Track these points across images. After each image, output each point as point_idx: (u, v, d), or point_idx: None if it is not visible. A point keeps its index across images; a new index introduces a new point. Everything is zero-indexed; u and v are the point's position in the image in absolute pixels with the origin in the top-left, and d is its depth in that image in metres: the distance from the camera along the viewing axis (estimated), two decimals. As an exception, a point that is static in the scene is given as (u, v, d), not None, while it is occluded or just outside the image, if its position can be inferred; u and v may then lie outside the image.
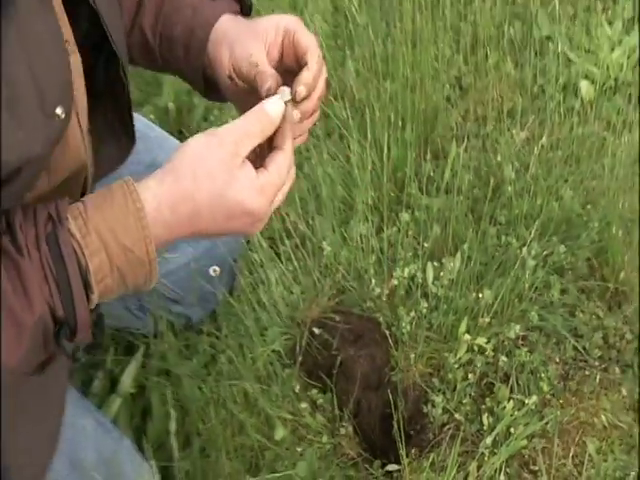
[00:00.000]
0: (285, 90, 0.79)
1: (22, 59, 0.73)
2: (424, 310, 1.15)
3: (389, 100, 1.34)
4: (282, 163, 0.78)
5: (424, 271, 1.18)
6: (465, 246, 1.18)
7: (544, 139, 1.27)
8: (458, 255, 1.18)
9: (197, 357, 1.20)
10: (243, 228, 0.80)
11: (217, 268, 1.23)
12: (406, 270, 1.18)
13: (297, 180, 1.30)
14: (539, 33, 1.49)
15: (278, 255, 1.26)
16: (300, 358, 1.15)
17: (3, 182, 0.75)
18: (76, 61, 0.85)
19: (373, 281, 1.19)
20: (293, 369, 1.15)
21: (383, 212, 1.27)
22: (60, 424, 0.98)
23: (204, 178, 0.76)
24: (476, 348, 1.10)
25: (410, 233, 1.23)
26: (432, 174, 1.31)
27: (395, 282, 1.18)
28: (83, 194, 0.92)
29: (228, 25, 0.90)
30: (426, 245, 1.20)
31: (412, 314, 1.15)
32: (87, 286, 0.74)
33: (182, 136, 1.37)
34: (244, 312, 1.20)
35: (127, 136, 0.99)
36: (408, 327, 1.14)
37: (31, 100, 0.74)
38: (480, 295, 1.12)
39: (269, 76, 0.83)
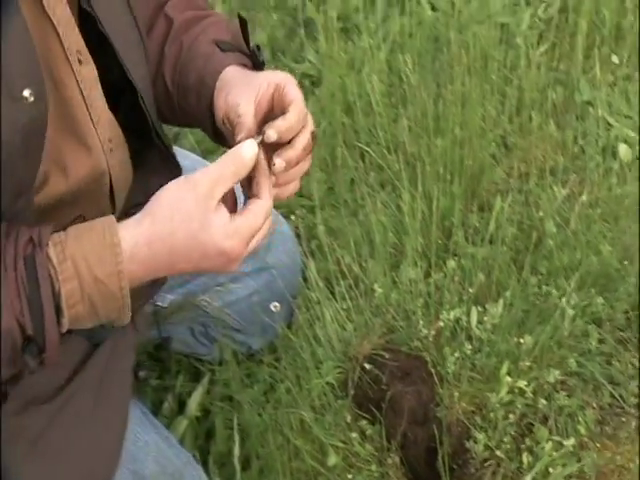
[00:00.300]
0: (259, 138, 0.79)
1: None
2: (468, 352, 1.16)
3: (439, 155, 1.37)
4: (257, 210, 0.77)
5: (468, 315, 1.20)
6: (507, 293, 1.20)
7: (584, 197, 1.29)
8: (501, 302, 1.20)
9: (257, 385, 1.22)
10: (219, 267, 0.80)
11: (277, 304, 1.24)
12: (452, 313, 1.20)
13: (352, 226, 1.38)
14: (580, 98, 1.52)
15: (333, 294, 1.27)
16: (352, 391, 1.16)
17: None
18: (89, 72, 0.85)
19: (421, 322, 1.20)
20: (345, 401, 1.16)
21: (431, 258, 1.28)
22: (122, 437, 0.98)
23: (180, 221, 0.75)
24: (517, 390, 1.10)
25: (456, 279, 1.25)
26: (477, 225, 1.33)
27: (441, 324, 1.19)
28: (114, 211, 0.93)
29: (231, 74, 0.90)
30: (471, 291, 1.22)
31: (457, 355, 1.16)
32: (58, 309, 0.74)
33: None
34: (301, 346, 1.21)
35: (172, 167, 0.98)
36: (453, 367, 1.15)
37: None
38: (521, 340, 1.14)
39: (245, 127, 0.82)
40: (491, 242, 1.31)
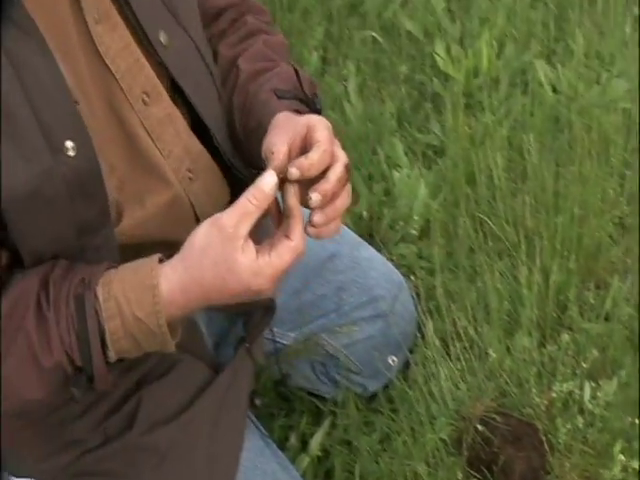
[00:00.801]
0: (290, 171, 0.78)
1: (19, 93, 0.73)
2: (580, 425, 1.14)
3: (557, 231, 1.35)
4: (283, 251, 0.76)
5: (581, 389, 1.18)
6: (622, 372, 1.17)
7: None
8: (615, 380, 1.17)
9: (375, 434, 1.22)
10: (249, 299, 0.81)
11: (395, 359, 1.24)
12: (564, 385, 1.19)
13: (469, 291, 1.39)
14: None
15: (448, 354, 1.26)
16: (465, 452, 1.16)
17: (23, 213, 0.75)
18: (159, 111, 0.87)
19: (533, 390, 1.19)
20: (458, 458, 1.16)
21: (545, 330, 1.28)
22: (237, 460, 0.98)
23: (209, 265, 0.76)
24: (630, 470, 1.08)
25: (569, 352, 1.23)
26: (593, 302, 1.30)
27: (554, 395, 1.18)
28: None
29: (280, 118, 0.90)
30: (584, 365, 1.20)
31: (568, 426, 1.15)
32: (104, 344, 0.76)
33: (372, 239, 1.46)
34: (417, 400, 1.21)
35: None
36: (564, 437, 1.14)
37: (33, 133, 0.74)
38: (636, 421, 1.11)
39: (273, 163, 0.81)
40: (606, 319, 1.28)
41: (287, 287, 1.10)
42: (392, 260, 1.36)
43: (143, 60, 0.86)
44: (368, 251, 1.26)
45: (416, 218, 1.49)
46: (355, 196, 1.55)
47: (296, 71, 0.97)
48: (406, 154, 1.62)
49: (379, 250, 1.33)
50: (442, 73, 1.76)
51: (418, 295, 1.35)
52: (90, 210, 0.78)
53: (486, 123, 1.59)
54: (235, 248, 0.74)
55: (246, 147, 0.95)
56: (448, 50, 1.75)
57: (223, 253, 0.75)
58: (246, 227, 0.74)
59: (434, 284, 1.37)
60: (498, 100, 1.67)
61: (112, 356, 0.77)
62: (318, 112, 0.93)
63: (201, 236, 0.77)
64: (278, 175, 0.77)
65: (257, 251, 0.75)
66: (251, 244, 0.75)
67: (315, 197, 0.76)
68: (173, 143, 0.89)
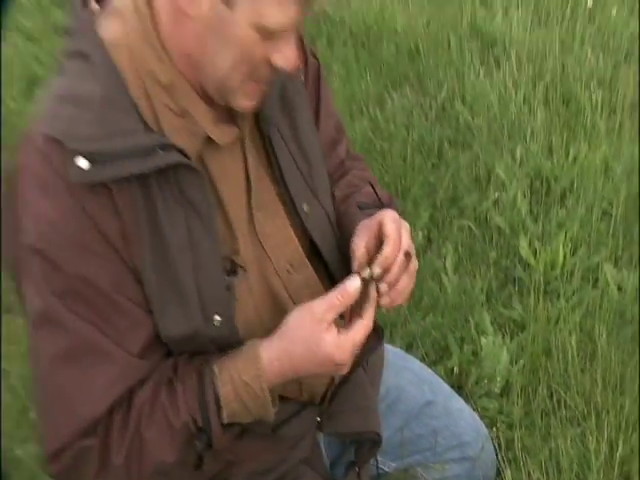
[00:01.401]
0: (366, 269, 0.84)
1: (189, 270, 0.80)
2: None
3: (622, 409, 1.41)
4: (358, 328, 0.82)
5: None
6: None
7: None
8: None
9: None
10: (331, 371, 0.87)
11: None
12: None
13: (542, 448, 1.42)
14: None
15: None
16: None
17: (176, 345, 0.82)
18: (300, 280, 0.92)
19: None
20: None
21: None
22: None
23: (300, 342, 0.81)
24: None
25: None
26: None
27: None
28: None
29: (361, 223, 0.93)
30: None
31: None
32: (219, 407, 0.81)
33: (461, 390, 1.51)
34: None
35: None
36: None
37: (193, 301, 0.81)
38: None
39: (355, 260, 0.87)
40: None
41: (391, 424, 1.14)
42: (477, 410, 1.39)
43: (291, 233, 0.92)
44: (459, 403, 1.26)
45: (498, 378, 1.55)
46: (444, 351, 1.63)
47: (372, 187, 1.03)
48: (492, 324, 1.67)
49: (466, 401, 1.32)
50: (524, 262, 1.83)
51: (499, 445, 1.39)
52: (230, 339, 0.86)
53: (560, 308, 1.68)
54: (322, 329, 0.81)
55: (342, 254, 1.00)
56: (530, 244, 1.84)
57: (312, 332, 0.81)
58: (332, 316, 0.81)
59: (513, 437, 1.41)
60: (571, 290, 1.74)
61: (225, 417, 0.81)
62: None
63: (295, 318, 0.83)
64: (359, 271, 0.84)
65: (338, 331, 0.82)
66: (334, 326, 0.82)
67: (383, 287, 0.86)
68: (306, 297, 0.94)
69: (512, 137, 2.20)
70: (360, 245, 0.89)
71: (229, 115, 0.84)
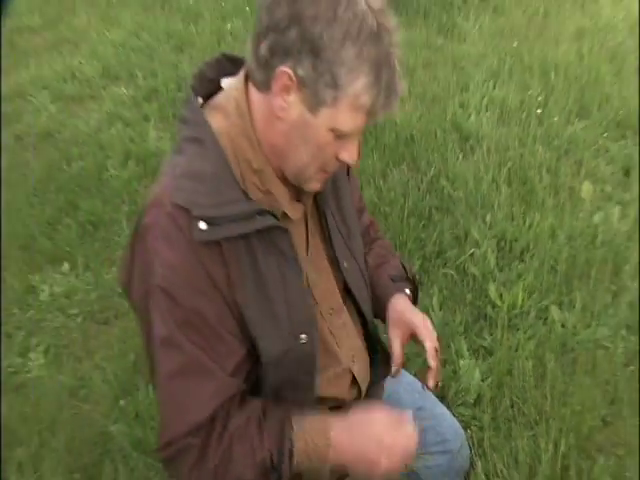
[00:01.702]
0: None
1: (282, 299, 0.80)
2: None
3: (564, 419, 1.44)
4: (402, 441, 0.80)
5: None
6: None
7: None
8: None
9: None
10: (373, 463, 0.79)
11: None
12: None
13: (505, 445, 1.39)
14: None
15: None
16: None
17: (273, 364, 0.81)
18: (338, 319, 0.91)
19: None
20: None
21: None
22: None
23: (361, 438, 0.80)
24: None
25: None
26: (583, 467, 1.35)
27: None
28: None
29: (395, 306, 0.96)
30: None
31: None
32: (291, 455, 0.80)
33: (443, 400, 1.49)
34: None
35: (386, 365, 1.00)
36: None
37: (285, 326, 0.81)
38: None
39: (394, 359, 0.91)
40: None
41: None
42: (455, 416, 1.32)
43: (334, 284, 0.93)
44: (442, 409, 1.25)
45: (472, 392, 1.59)
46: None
47: (402, 264, 1.06)
48: (468, 350, 1.70)
49: (447, 408, 1.25)
50: (493, 303, 1.86)
51: (472, 443, 1.43)
52: (306, 375, 0.87)
53: (519, 339, 1.71)
54: (383, 432, 0.80)
55: (373, 309, 1.03)
56: (497, 289, 1.88)
57: (381, 424, 0.81)
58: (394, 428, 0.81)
59: (483, 437, 1.46)
60: (527, 325, 1.78)
61: (295, 465, 0.81)
62: (418, 285, 1.04)
63: (367, 412, 0.82)
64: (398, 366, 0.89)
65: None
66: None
67: (432, 383, 0.92)
68: (345, 340, 0.95)
69: (484, 207, 2.26)
70: (396, 344, 0.94)
71: (297, 194, 0.86)
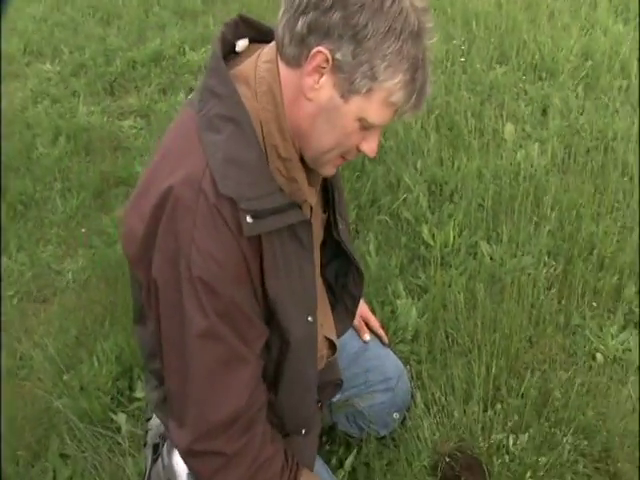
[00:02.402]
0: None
1: (299, 285, 0.82)
2: (507, 460, 1.21)
3: (494, 343, 1.45)
4: None
5: (508, 438, 1.24)
6: (531, 429, 1.25)
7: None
8: (527, 434, 1.24)
9: (384, 459, 1.27)
10: None
11: (397, 414, 1.28)
12: (498, 436, 1.25)
13: (442, 375, 1.41)
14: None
15: (429, 413, 1.33)
16: (439, 474, 1.25)
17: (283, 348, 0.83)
18: (322, 294, 0.97)
19: (479, 438, 1.25)
20: (434, 478, 1.24)
21: (487, 401, 1.33)
22: (312, 471, 1.01)
23: None
24: None
25: (501, 416, 1.29)
26: (514, 385, 1.36)
27: (491, 441, 1.24)
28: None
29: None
30: (509, 424, 1.27)
31: (499, 461, 1.21)
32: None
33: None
34: (410, 440, 1.29)
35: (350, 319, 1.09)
36: (497, 468, 1.21)
37: (301, 306, 0.83)
38: (539, 459, 1.19)
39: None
40: (522, 397, 1.36)
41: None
42: (395, 353, 1.36)
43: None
44: (385, 349, 1.30)
45: (410, 329, 1.56)
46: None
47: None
48: (404, 290, 1.68)
49: (389, 347, 1.34)
50: (426, 243, 1.83)
51: (412, 377, 1.41)
52: (310, 351, 0.90)
53: (452, 275, 1.70)
54: None
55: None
56: (429, 230, 1.86)
57: None
58: None
59: (421, 370, 1.45)
60: (459, 262, 1.77)
61: None
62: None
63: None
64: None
65: None
66: None
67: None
68: (324, 316, 0.99)
69: (414, 154, 2.21)
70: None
71: (309, 178, 0.82)
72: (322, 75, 0.70)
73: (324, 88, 0.71)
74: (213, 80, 0.75)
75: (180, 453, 0.86)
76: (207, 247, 0.72)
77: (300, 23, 0.68)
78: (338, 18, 0.67)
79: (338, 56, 0.68)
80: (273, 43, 0.75)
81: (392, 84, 0.70)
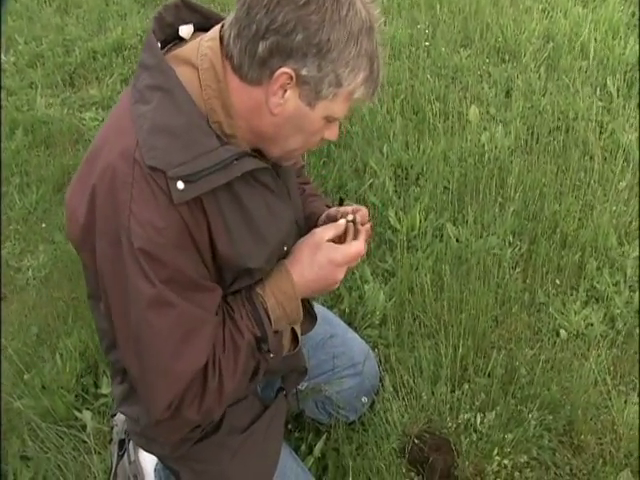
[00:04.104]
0: (344, 220, 0.88)
1: (273, 221, 0.83)
2: (474, 439, 1.22)
3: (461, 323, 1.44)
4: (354, 243, 0.86)
5: (476, 417, 1.25)
6: (498, 408, 1.26)
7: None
8: (494, 412, 1.25)
9: (353, 444, 1.26)
10: (329, 274, 0.84)
11: (366, 399, 1.28)
12: (465, 415, 1.25)
13: (409, 358, 1.39)
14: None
15: (397, 396, 1.32)
16: (407, 455, 1.24)
17: (240, 276, 0.83)
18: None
19: (447, 418, 1.26)
20: (402, 459, 1.24)
21: (455, 382, 1.33)
22: (277, 462, 1.01)
23: (306, 251, 0.85)
24: (502, 465, 1.15)
25: (468, 396, 1.29)
26: (481, 365, 1.36)
27: (459, 421, 1.25)
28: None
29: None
30: (477, 403, 1.27)
31: (467, 440, 1.21)
32: (269, 317, 0.84)
33: (351, 325, 1.42)
34: (378, 424, 1.28)
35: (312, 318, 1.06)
36: (465, 447, 1.22)
37: (273, 238, 0.84)
38: (505, 436, 1.19)
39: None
40: (488, 376, 1.35)
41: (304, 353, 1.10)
42: (364, 338, 1.36)
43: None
44: (352, 334, 1.29)
45: (377, 313, 1.55)
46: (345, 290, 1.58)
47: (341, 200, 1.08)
48: (372, 274, 1.66)
49: (356, 331, 1.35)
50: (393, 227, 1.81)
51: (380, 361, 1.40)
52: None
53: (419, 258, 1.69)
54: (322, 242, 0.86)
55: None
56: (396, 214, 1.84)
57: (313, 244, 0.86)
58: (328, 236, 0.87)
59: (389, 353, 1.43)
60: (425, 244, 1.75)
61: (273, 324, 0.84)
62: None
63: (303, 239, 0.88)
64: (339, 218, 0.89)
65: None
66: (331, 242, 0.86)
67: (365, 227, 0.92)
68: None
69: (380, 139, 2.18)
70: (333, 214, 0.95)
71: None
72: (286, 91, 0.73)
73: (289, 101, 0.74)
74: (145, 54, 0.76)
75: (156, 426, 0.83)
76: (146, 217, 0.71)
77: (261, 47, 0.70)
78: (301, 39, 0.69)
79: (303, 72, 0.71)
80: (214, 33, 0.76)
81: (355, 84, 0.74)
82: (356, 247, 0.87)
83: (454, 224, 1.83)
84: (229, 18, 0.75)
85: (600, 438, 1.26)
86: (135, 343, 0.78)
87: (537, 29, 2.76)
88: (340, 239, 0.89)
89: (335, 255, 0.85)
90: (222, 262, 0.81)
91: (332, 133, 0.81)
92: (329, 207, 1.04)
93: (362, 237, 0.89)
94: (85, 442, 1.34)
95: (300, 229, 0.96)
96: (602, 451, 1.23)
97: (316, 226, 0.96)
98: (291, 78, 0.71)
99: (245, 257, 0.81)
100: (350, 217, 0.90)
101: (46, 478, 1.29)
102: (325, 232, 0.87)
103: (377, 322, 1.55)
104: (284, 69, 0.71)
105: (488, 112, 2.30)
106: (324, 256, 0.85)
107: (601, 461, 1.21)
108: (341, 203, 1.01)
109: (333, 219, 0.95)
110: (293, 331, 0.99)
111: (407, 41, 2.76)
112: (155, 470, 1.10)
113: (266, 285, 0.86)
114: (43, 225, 2.02)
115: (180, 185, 0.71)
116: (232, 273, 0.84)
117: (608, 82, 2.39)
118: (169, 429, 0.85)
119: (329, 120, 0.78)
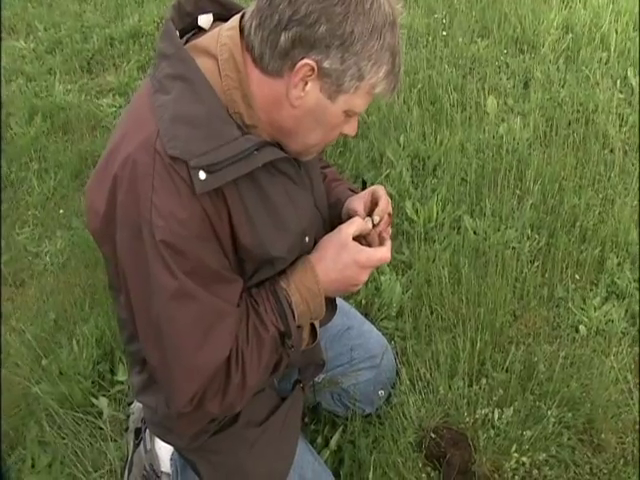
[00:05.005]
0: (369, 219, 0.88)
1: (293, 211, 0.81)
2: (492, 435, 1.16)
3: (479, 317, 1.39)
4: (380, 248, 0.84)
5: (493, 413, 1.19)
6: (516, 403, 1.20)
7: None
8: (511, 408, 1.19)
9: (369, 437, 1.21)
10: (353, 275, 0.82)
11: (382, 392, 1.25)
12: (483, 411, 1.20)
13: (427, 351, 1.36)
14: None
15: (414, 390, 1.27)
16: (424, 450, 1.20)
17: (261, 267, 0.81)
18: (309, 245, 0.88)
19: (465, 413, 1.20)
20: (419, 454, 1.20)
21: (472, 376, 1.28)
22: (294, 454, 0.99)
23: (332, 249, 0.83)
24: (520, 462, 1.11)
25: (486, 391, 1.24)
26: (499, 360, 1.31)
27: (477, 416, 1.19)
28: None
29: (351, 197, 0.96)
30: (495, 399, 1.22)
31: (485, 435, 1.17)
32: (293, 312, 0.82)
33: (368, 316, 1.39)
34: (395, 417, 1.23)
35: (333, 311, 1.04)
36: (483, 442, 1.16)
37: (296, 228, 0.81)
38: (523, 433, 1.14)
39: (358, 215, 0.89)
40: (507, 371, 1.30)
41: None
42: (380, 330, 1.31)
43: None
44: (369, 326, 1.26)
45: (394, 305, 1.51)
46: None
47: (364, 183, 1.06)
48: (388, 266, 1.60)
49: (372, 323, 1.30)
50: (410, 219, 1.77)
51: (397, 353, 1.36)
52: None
53: (436, 250, 1.64)
54: (347, 240, 0.83)
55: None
56: (413, 205, 1.79)
57: (339, 242, 0.84)
58: (353, 230, 0.84)
59: (406, 346, 1.39)
60: (443, 236, 1.71)
61: (297, 319, 0.82)
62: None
63: (329, 236, 0.86)
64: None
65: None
66: (356, 242, 0.83)
67: (375, 218, 0.89)
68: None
69: (397, 129, 2.13)
70: (360, 207, 0.91)
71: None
72: (307, 83, 0.71)
73: (310, 94, 0.72)
74: (163, 43, 0.74)
75: (177, 418, 0.82)
76: (168, 208, 0.69)
77: (283, 38, 0.68)
78: (324, 30, 0.67)
79: (326, 64, 0.69)
80: (233, 23, 0.74)
81: (377, 78, 0.72)
82: (381, 253, 0.85)
83: (472, 216, 1.77)
84: (250, 8, 0.72)
85: (621, 437, 1.21)
86: (156, 336, 0.75)
87: (556, 19, 2.67)
88: (365, 237, 0.88)
89: (360, 257, 0.83)
90: (243, 252, 0.78)
91: (351, 128, 0.79)
92: (353, 192, 1.01)
93: (388, 243, 0.88)
94: (101, 429, 1.32)
95: (324, 219, 0.92)
96: (624, 450, 1.19)
97: (341, 219, 0.91)
98: (313, 70, 0.69)
99: (267, 245, 0.79)
100: (377, 219, 0.89)
101: (63, 464, 1.27)
102: (350, 228, 0.85)
103: (393, 314, 1.51)
104: (306, 60, 0.69)
105: (506, 103, 2.23)
106: (350, 256, 0.83)
107: (622, 461, 1.17)
108: (364, 187, 0.99)
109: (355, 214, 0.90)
110: (311, 324, 0.95)
111: (424, 30, 2.68)
112: (171, 459, 1.08)
113: (291, 280, 0.84)
114: (61, 211, 1.99)
115: (202, 175, 0.69)
116: (253, 264, 0.81)
117: (629, 74, 2.29)
118: (189, 421, 0.83)
119: (349, 114, 0.76)
